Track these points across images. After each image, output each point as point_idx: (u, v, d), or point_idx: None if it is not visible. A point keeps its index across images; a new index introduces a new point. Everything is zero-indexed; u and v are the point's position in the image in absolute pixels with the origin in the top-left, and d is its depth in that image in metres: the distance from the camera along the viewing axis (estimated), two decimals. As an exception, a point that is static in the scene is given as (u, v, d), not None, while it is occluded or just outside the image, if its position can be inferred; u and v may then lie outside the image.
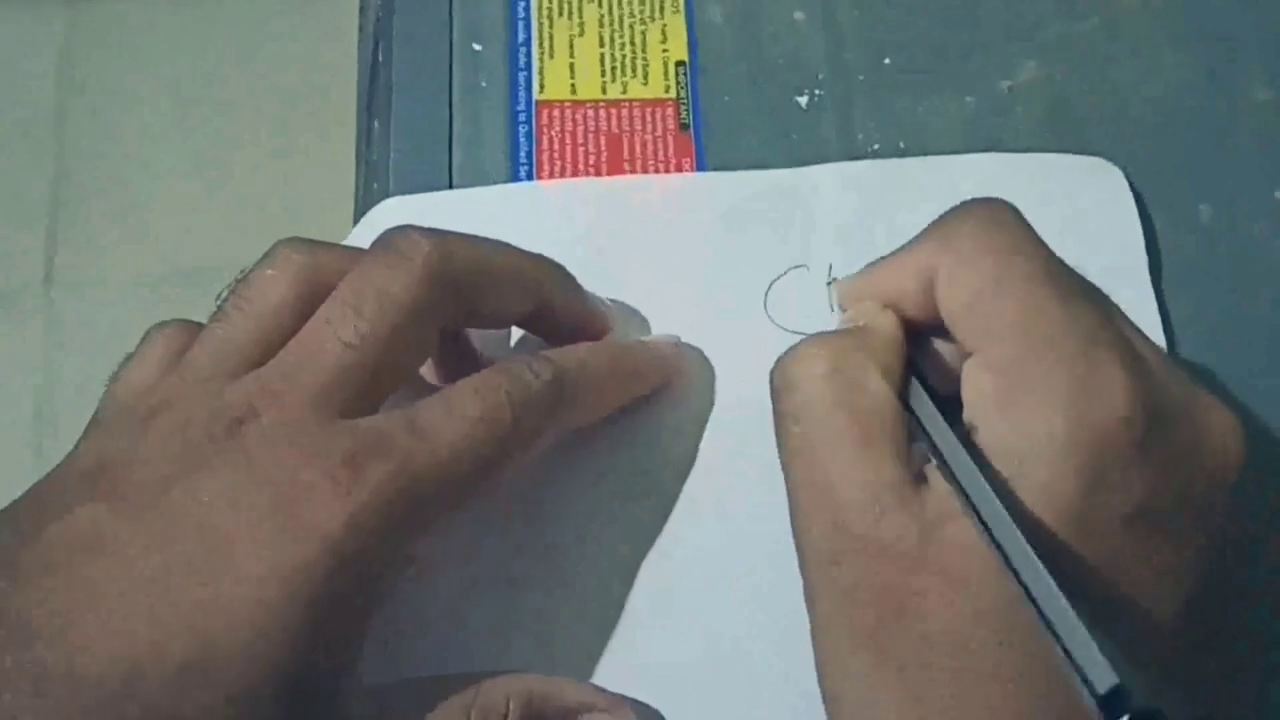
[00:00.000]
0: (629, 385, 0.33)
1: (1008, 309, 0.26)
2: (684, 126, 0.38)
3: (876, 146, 0.38)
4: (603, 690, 0.31)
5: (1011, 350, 0.26)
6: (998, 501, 0.24)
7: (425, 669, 0.31)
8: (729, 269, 0.36)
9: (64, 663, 0.24)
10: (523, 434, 0.29)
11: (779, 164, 0.38)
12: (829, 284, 0.35)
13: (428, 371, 0.33)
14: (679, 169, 0.38)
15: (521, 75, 0.39)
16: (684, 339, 0.35)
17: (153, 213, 1.13)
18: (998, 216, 0.28)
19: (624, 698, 0.31)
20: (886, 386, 0.28)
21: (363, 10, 0.45)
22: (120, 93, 1.18)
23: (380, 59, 0.41)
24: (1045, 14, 0.41)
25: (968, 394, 0.27)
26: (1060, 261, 0.27)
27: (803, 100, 0.39)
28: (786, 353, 0.29)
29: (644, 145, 0.38)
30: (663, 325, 0.35)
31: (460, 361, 0.33)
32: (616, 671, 0.32)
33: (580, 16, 0.39)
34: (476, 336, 0.34)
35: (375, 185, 0.39)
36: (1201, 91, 0.40)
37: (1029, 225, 0.28)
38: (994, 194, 0.36)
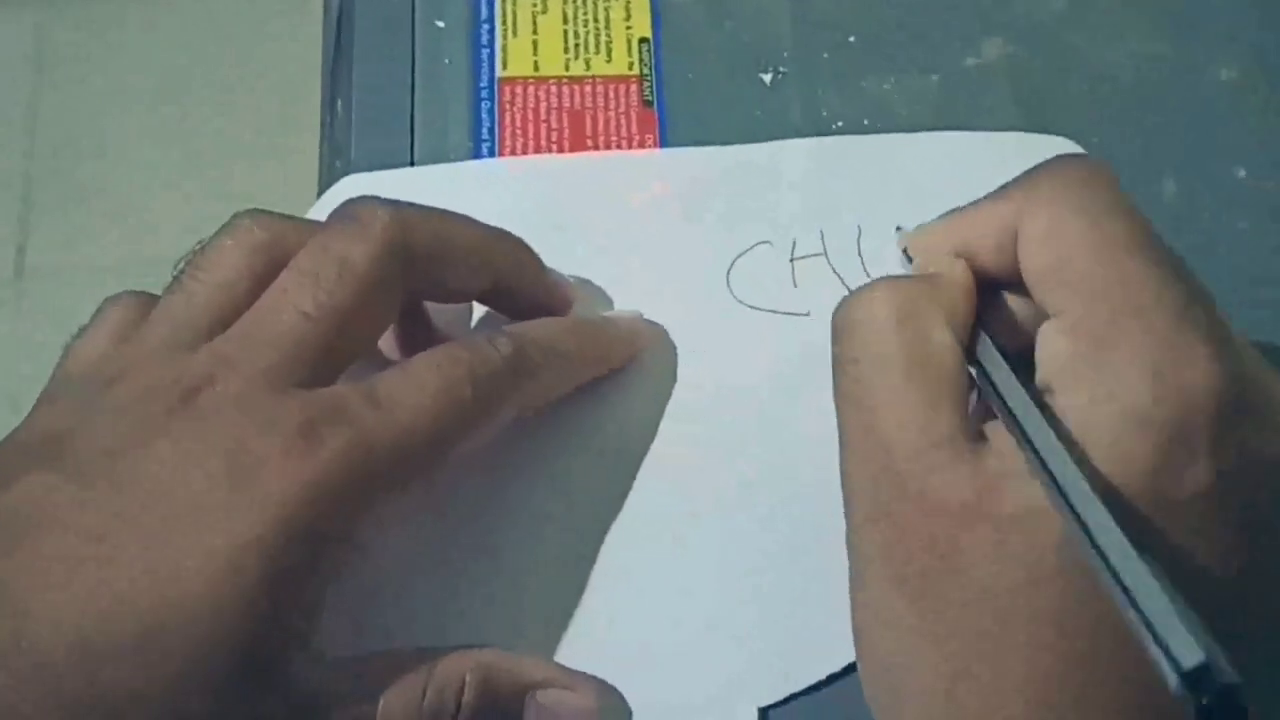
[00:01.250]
0: (591, 361, 0.33)
1: (1097, 274, 0.26)
2: (647, 103, 0.38)
3: (841, 124, 0.38)
4: (562, 667, 0.30)
5: (1098, 315, 0.25)
6: (1072, 462, 0.24)
7: (385, 642, 0.30)
8: (692, 245, 0.36)
9: (11, 632, 0.24)
10: (482, 408, 0.29)
11: (743, 141, 0.37)
12: (791, 261, 0.35)
13: (387, 347, 0.33)
14: (642, 145, 0.37)
15: (484, 52, 0.39)
16: (647, 315, 0.35)
17: (126, 205, 1.12)
18: (1092, 177, 0.27)
19: (584, 674, 0.30)
20: (951, 338, 0.27)
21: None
22: (93, 84, 1.17)
23: (343, 36, 0.40)
24: (1011, -9, 0.40)
25: (1044, 355, 0.26)
26: (1152, 229, 0.27)
27: (767, 77, 0.39)
28: (851, 294, 0.29)
29: (607, 122, 0.37)
30: (625, 302, 0.35)
31: (420, 337, 0.33)
32: (577, 648, 0.31)
33: (544, -6, 0.39)
34: (437, 313, 0.33)
35: (338, 163, 0.38)
36: (1166, 70, 0.40)
37: (1120, 188, 0.27)
38: (955, 171, 0.36)
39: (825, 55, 0.39)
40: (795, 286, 0.35)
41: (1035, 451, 0.25)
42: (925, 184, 0.36)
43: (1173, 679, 0.20)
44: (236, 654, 0.25)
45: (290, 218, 0.30)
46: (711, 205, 0.36)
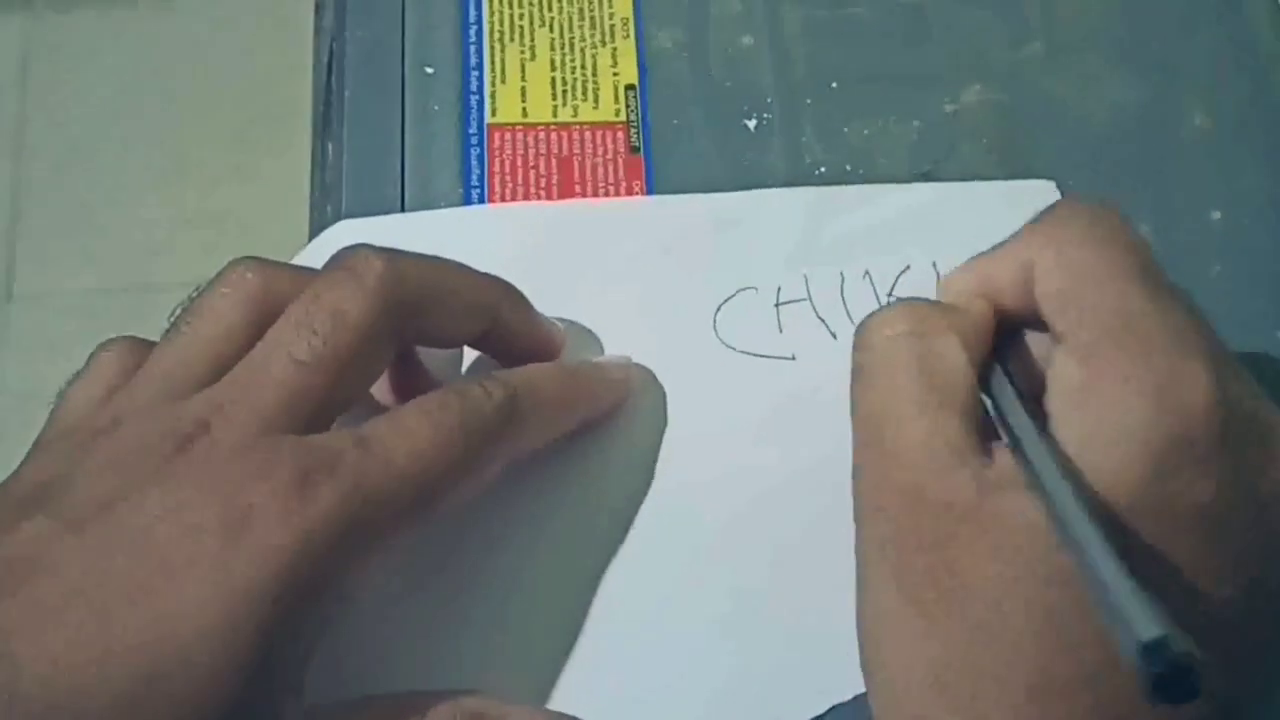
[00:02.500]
0: (582, 407, 0.34)
1: (1101, 300, 0.27)
2: (634, 149, 0.39)
3: (823, 169, 0.39)
4: (549, 713, 0.31)
5: (1100, 339, 0.27)
6: (1059, 473, 0.25)
7: (373, 688, 0.31)
8: (679, 291, 0.36)
9: (2, 680, 0.24)
10: (474, 455, 0.29)
11: (728, 186, 0.38)
12: (776, 306, 0.36)
13: (380, 391, 0.33)
14: (629, 191, 0.38)
15: (473, 99, 0.39)
16: (635, 360, 0.35)
17: (113, 228, 1.13)
18: (1100, 215, 0.29)
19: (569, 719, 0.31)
20: (963, 355, 0.29)
21: (317, 33, 0.46)
22: (80, 108, 1.17)
23: (333, 82, 0.41)
24: (989, 40, 0.41)
25: (1051, 380, 0.28)
26: (1156, 264, 0.28)
27: (751, 123, 0.40)
28: (871, 313, 0.30)
29: (595, 168, 0.38)
30: (614, 347, 0.36)
31: (412, 381, 0.33)
32: (568, 694, 0.32)
33: (531, 40, 0.40)
34: (429, 356, 0.34)
35: (329, 207, 0.39)
36: (1142, 116, 0.40)
37: (1130, 225, 0.29)
38: (937, 220, 0.37)
39: (808, 102, 0.40)
40: (780, 331, 0.36)
41: (1026, 457, 0.26)
42: (907, 232, 0.37)
43: (1129, 650, 0.21)
44: (229, 704, 0.25)
45: (284, 265, 0.31)
46: (698, 252, 0.37)
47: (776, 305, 0.36)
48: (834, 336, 0.36)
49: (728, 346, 0.36)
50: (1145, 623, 0.21)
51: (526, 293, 0.34)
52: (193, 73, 1.18)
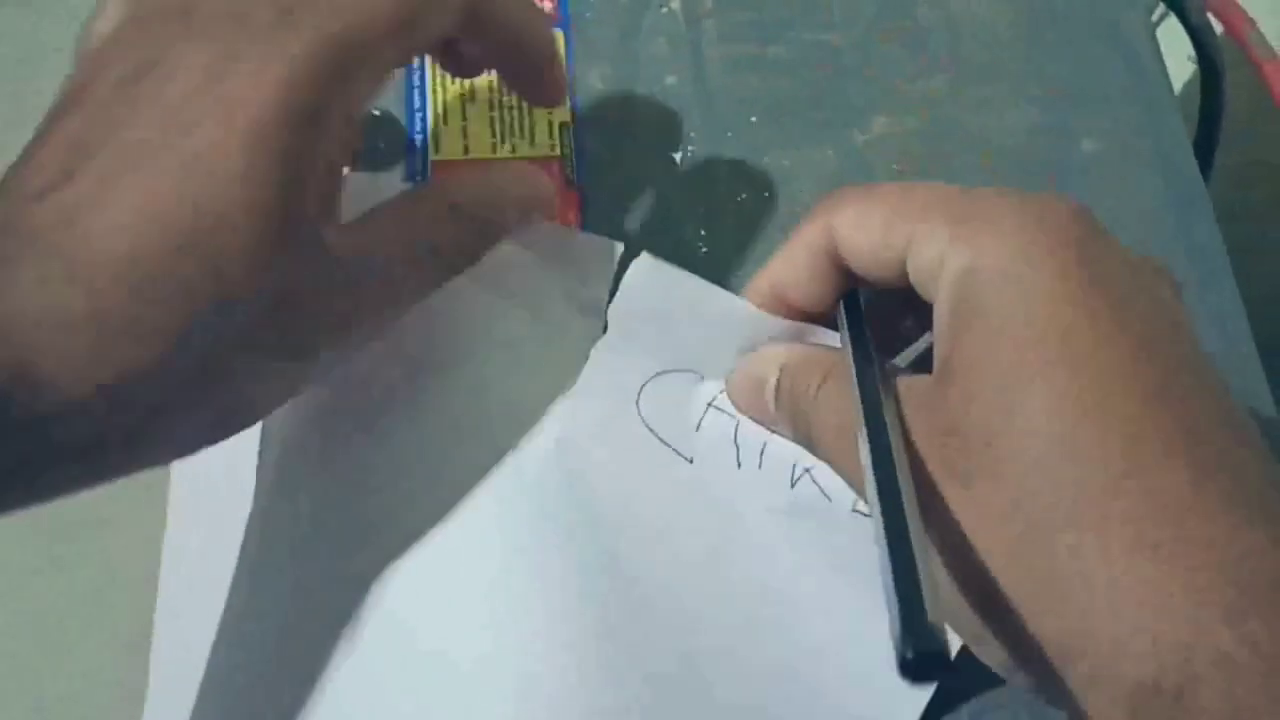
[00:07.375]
0: (532, 37, 0.34)
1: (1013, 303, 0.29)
2: (569, 182, 0.41)
3: (744, 197, 0.42)
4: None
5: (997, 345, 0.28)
6: (887, 432, 0.27)
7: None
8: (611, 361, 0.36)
9: (83, 249, 0.26)
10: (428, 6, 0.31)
11: (658, 216, 0.41)
12: (709, 405, 0.36)
13: None
14: (565, 222, 0.41)
15: (418, 137, 0.42)
16: (572, 393, 0.36)
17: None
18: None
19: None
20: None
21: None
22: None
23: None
24: (897, 74, 0.44)
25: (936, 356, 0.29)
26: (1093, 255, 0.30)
27: (678, 156, 0.43)
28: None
29: (533, 203, 0.41)
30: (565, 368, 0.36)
31: None
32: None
33: (471, 84, 0.43)
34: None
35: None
36: (1037, 143, 0.44)
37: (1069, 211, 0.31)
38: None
39: (729, 135, 0.43)
40: (696, 430, 0.36)
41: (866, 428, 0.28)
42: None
43: (895, 631, 0.23)
44: (274, 231, 0.28)
45: None
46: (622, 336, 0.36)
47: (709, 404, 0.36)
48: (739, 466, 0.35)
49: (642, 420, 0.36)
50: (905, 633, 0.23)
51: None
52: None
